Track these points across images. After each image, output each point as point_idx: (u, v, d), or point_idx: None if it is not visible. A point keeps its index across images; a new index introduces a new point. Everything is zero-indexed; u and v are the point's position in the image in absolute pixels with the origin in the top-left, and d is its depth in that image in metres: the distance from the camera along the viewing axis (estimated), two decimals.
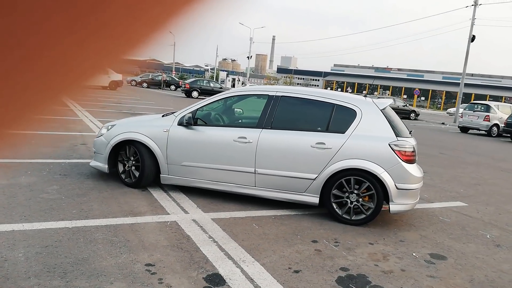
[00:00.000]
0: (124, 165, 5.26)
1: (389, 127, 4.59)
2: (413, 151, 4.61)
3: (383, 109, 4.73)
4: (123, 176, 5.27)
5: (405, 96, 75.97)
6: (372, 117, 4.66)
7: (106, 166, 5.29)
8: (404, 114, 27.36)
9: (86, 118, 11.72)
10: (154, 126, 5.13)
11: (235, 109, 5.76)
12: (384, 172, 4.44)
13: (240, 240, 3.86)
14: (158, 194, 5.02)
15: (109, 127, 5.42)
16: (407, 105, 29.63)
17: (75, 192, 4.81)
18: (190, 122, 4.90)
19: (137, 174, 5.12)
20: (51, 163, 6.09)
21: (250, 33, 51.93)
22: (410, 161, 4.57)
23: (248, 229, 4.17)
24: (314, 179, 4.60)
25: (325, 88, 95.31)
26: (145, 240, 3.67)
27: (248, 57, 51.18)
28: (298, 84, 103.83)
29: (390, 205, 4.49)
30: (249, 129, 4.84)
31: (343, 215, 4.59)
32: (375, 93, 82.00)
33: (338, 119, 4.70)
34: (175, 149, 4.98)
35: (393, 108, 21.88)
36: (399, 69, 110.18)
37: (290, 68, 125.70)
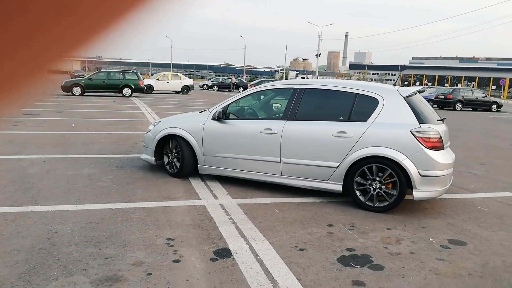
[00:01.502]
0: (168, 157, 5.85)
1: (411, 114, 4.56)
2: (438, 138, 4.52)
3: (406, 96, 4.71)
4: (167, 167, 5.87)
5: (493, 87, 69.45)
6: (394, 105, 4.66)
7: (153, 158, 5.93)
8: (484, 106, 25.25)
9: (153, 119, 12.83)
10: (191, 121, 5.65)
11: (273, 104, 6.07)
12: (406, 159, 4.43)
13: (257, 222, 4.17)
14: (196, 183, 5.52)
15: (155, 123, 6.07)
16: (488, 96, 27.22)
17: (125, 181, 5.49)
18: (220, 116, 5.32)
19: (178, 165, 5.67)
20: (112, 157, 6.94)
21: (318, 31, 51.49)
22: (435, 148, 4.50)
23: (269, 213, 4.45)
24: (336, 167, 4.73)
25: (402, 83, 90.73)
26: (172, 220, 4.15)
27: (316, 55, 50.80)
28: (372, 79, 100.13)
29: (413, 192, 4.46)
30: (275, 121, 5.12)
31: (366, 202, 4.66)
32: (459, 85, 76.19)
33: (360, 108, 4.78)
34: (210, 141, 5.44)
35: (471, 100, 20.92)
36: (487, 59, 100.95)
37: (364, 63, 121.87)
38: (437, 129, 4.54)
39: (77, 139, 8.64)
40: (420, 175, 4.42)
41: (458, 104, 24.24)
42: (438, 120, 4.87)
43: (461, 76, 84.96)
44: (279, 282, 2.98)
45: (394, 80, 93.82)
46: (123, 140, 8.69)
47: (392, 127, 4.56)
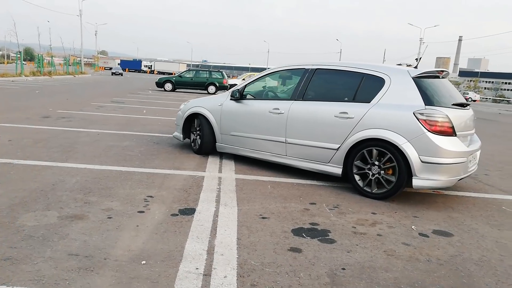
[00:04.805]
0: (194, 135, 6.23)
1: (418, 95, 4.22)
2: (447, 122, 4.10)
3: (416, 76, 4.36)
4: (192, 144, 6.25)
5: None
6: (401, 85, 4.36)
7: (181, 135, 6.36)
8: None
9: None
10: (213, 101, 5.94)
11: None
12: (406, 143, 4.12)
13: (241, 193, 4.27)
14: (212, 159, 5.79)
15: (186, 103, 6.50)
16: None
17: (151, 153, 6.01)
18: (235, 96, 5.51)
19: (200, 142, 6.01)
20: (156, 136, 7.58)
21: (420, 33, 48.18)
22: (443, 133, 4.10)
23: (259, 188, 4.51)
24: (337, 149, 4.59)
25: None
26: (165, 183, 4.47)
27: (416, 59, 47.55)
28: (485, 88, 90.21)
29: (413, 180, 4.13)
30: (283, 101, 5.14)
31: (364, 187, 4.43)
32: None
33: (365, 89, 4.56)
34: (226, 120, 5.66)
35: None
36: None
37: (477, 71, 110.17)
38: (445, 113, 4.13)
39: (139, 121, 9.57)
40: (421, 161, 4.07)
41: None
42: (454, 105, 4.41)
43: None
44: (218, 238, 3.08)
45: (510, 90, 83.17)
46: None
47: (395, 109, 4.27)
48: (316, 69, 5.01)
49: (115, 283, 2.35)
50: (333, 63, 5.05)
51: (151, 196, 3.98)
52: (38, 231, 2.99)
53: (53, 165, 4.89)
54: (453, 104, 4.41)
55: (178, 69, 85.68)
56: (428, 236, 3.42)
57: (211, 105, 5.90)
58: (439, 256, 3.03)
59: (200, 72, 24.79)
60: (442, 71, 4.84)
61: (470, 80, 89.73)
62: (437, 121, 4.09)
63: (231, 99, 5.65)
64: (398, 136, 4.16)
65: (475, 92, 69.03)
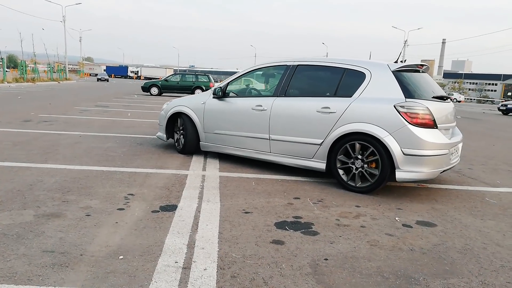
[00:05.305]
0: (177, 134, 6.15)
1: (398, 89, 4.23)
2: (428, 114, 4.12)
3: (395, 70, 4.38)
4: (176, 144, 6.17)
5: None
6: (381, 79, 4.37)
7: (165, 135, 6.28)
8: None
9: None
10: (195, 99, 5.88)
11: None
12: (388, 135, 4.12)
13: (224, 190, 4.21)
14: (196, 159, 5.72)
15: (168, 102, 6.43)
16: None
17: (134, 153, 5.91)
18: (217, 94, 5.47)
19: (183, 141, 5.94)
20: (140, 137, 7.48)
21: (404, 36, 48.90)
22: (424, 125, 4.11)
23: (242, 185, 4.46)
24: (320, 144, 4.57)
25: (504, 94, 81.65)
26: (147, 182, 4.39)
27: (401, 61, 48.20)
28: (469, 89, 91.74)
29: (396, 172, 4.13)
30: (266, 97, 5.12)
31: (348, 182, 4.42)
32: None
33: (346, 83, 4.57)
34: (209, 118, 5.61)
35: None
36: None
37: (461, 72, 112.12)
38: (426, 105, 4.15)
39: (123, 124, 9.45)
40: (404, 154, 4.07)
41: None
42: (434, 97, 4.43)
43: None
44: (199, 232, 3.02)
45: (495, 90, 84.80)
46: None
47: (376, 102, 4.27)
48: (298, 65, 5.01)
49: (90, 278, 2.27)
50: (314, 59, 5.05)
51: (131, 194, 3.90)
52: (12, 229, 2.89)
53: (32, 166, 4.77)
54: (433, 97, 4.43)
55: (165, 74, 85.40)
56: (411, 227, 3.41)
57: (193, 103, 5.84)
58: (422, 245, 3.02)
59: (187, 76, 24.69)
60: (422, 65, 4.88)
61: (455, 82, 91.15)
62: (418, 114, 4.11)
63: (213, 97, 5.61)
64: (380, 129, 4.17)
65: (460, 93, 70.14)
